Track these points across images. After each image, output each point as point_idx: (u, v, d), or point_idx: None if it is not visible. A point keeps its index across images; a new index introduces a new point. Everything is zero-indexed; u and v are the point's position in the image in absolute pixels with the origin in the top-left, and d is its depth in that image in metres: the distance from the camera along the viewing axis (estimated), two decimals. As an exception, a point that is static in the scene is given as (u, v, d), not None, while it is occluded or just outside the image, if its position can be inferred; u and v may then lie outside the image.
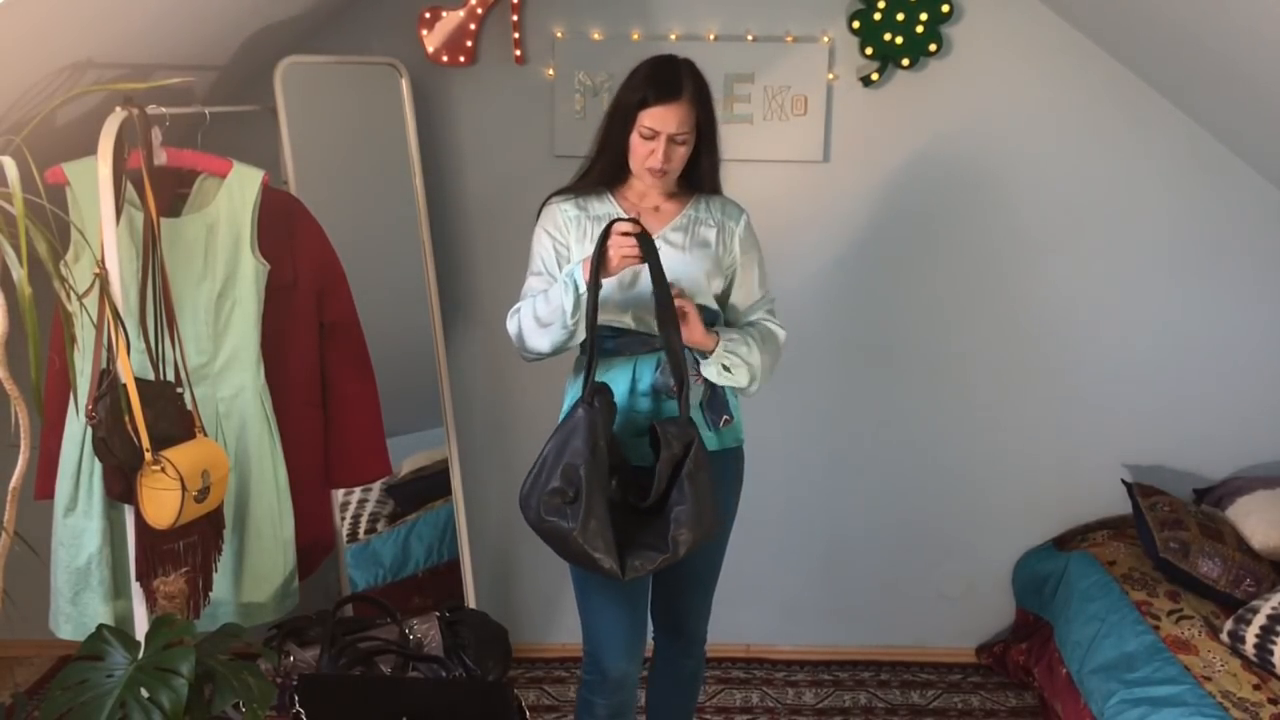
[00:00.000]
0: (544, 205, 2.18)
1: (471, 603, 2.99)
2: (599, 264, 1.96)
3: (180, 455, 2.07)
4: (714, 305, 2.16)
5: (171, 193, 2.32)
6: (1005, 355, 3.13)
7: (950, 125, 2.99)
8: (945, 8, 2.85)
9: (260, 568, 2.43)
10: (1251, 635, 2.47)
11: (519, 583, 3.27)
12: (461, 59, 2.91)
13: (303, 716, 2.22)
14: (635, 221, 1.99)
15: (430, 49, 2.89)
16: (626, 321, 2.09)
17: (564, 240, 2.13)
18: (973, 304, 3.10)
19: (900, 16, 2.85)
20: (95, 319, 2.06)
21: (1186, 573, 2.74)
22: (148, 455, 2.04)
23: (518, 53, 2.92)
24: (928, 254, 3.08)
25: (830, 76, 2.95)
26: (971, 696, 3.12)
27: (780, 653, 3.31)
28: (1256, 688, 2.35)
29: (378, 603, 2.58)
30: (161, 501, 2.05)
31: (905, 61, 2.90)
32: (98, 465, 2.18)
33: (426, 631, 2.49)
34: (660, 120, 2.02)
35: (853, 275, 3.09)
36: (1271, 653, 2.42)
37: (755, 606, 3.23)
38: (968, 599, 3.27)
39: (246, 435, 2.38)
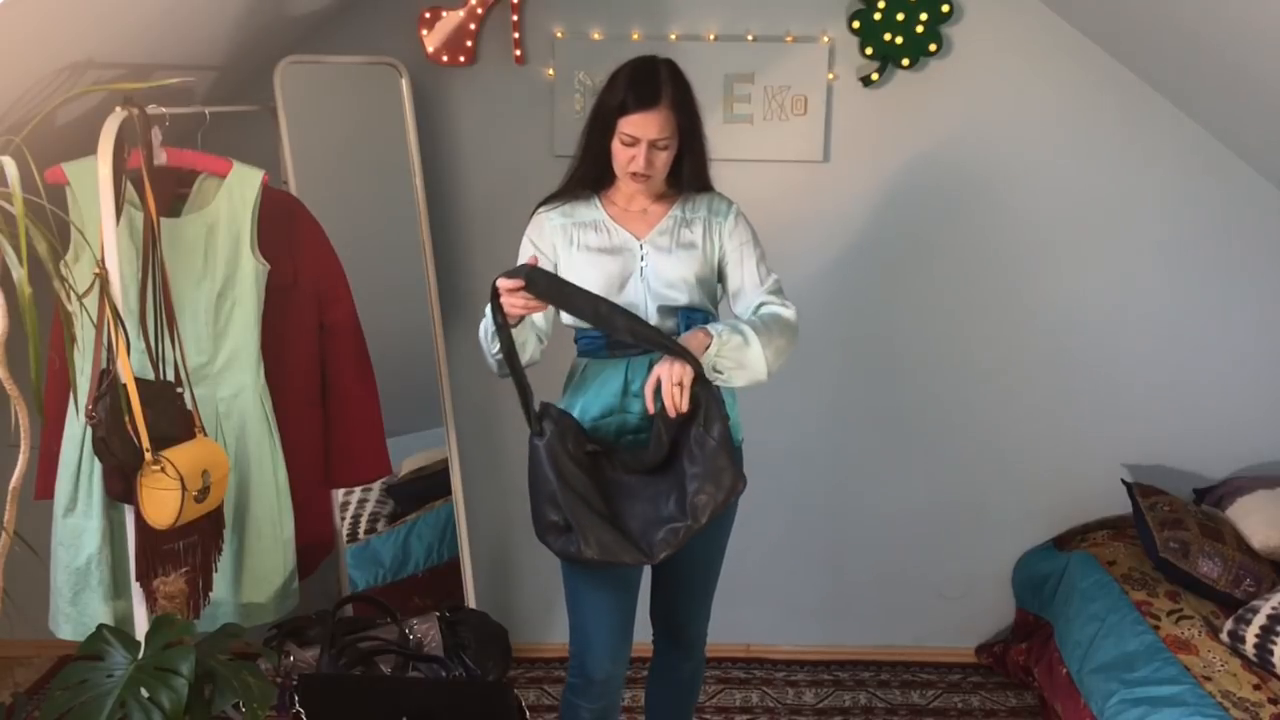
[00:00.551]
0: (533, 214, 2.18)
1: (471, 603, 2.99)
2: (502, 319, 1.96)
3: (180, 455, 2.07)
4: (707, 305, 2.15)
5: (171, 193, 2.33)
6: (1005, 355, 3.13)
7: (950, 125, 2.99)
8: (945, 8, 2.85)
9: (260, 568, 2.43)
10: (1251, 635, 2.47)
11: (518, 583, 3.27)
12: (461, 59, 2.91)
13: (303, 716, 2.22)
14: (522, 268, 1.93)
15: (430, 49, 2.89)
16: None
17: (549, 251, 2.13)
18: (972, 304, 3.10)
19: (900, 16, 2.85)
20: (95, 319, 2.06)
21: (1186, 573, 2.74)
22: (148, 455, 2.04)
23: (518, 53, 2.92)
24: (927, 254, 3.08)
25: (830, 76, 2.95)
26: (971, 696, 3.12)
27: (780, 653, 3.31)
28: (1256, 688, 2.35)
29: (378, 603, 2.58)
30: (161, 501, 2.05)
31: (905, 61, 2.90)
32: (98, 465, 2.18)
33: (426, 631, 2.49)
34: (640, 127, 2.00)
35: (852, 275, 3.09)
36: (1271, 653, 2.42)
37: (755, 606, 3.23)
38: (968, 599, 3.27)
39: (246, 435, 2.38)
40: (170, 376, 2.19)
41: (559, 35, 2.91)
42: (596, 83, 2.87)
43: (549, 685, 3.14)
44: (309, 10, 2.73)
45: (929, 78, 2.96)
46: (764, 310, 2.11)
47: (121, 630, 1.98)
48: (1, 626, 2.00)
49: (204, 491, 2.10)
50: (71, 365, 1.86)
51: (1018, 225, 3.05)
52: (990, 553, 3.25)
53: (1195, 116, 2.95)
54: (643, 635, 2.30)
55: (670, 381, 1.91)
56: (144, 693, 1.81)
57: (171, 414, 2.15)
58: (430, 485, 3.03)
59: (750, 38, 2.93)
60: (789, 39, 2.92)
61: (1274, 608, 2.49)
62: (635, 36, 2.91)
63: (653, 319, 2.08)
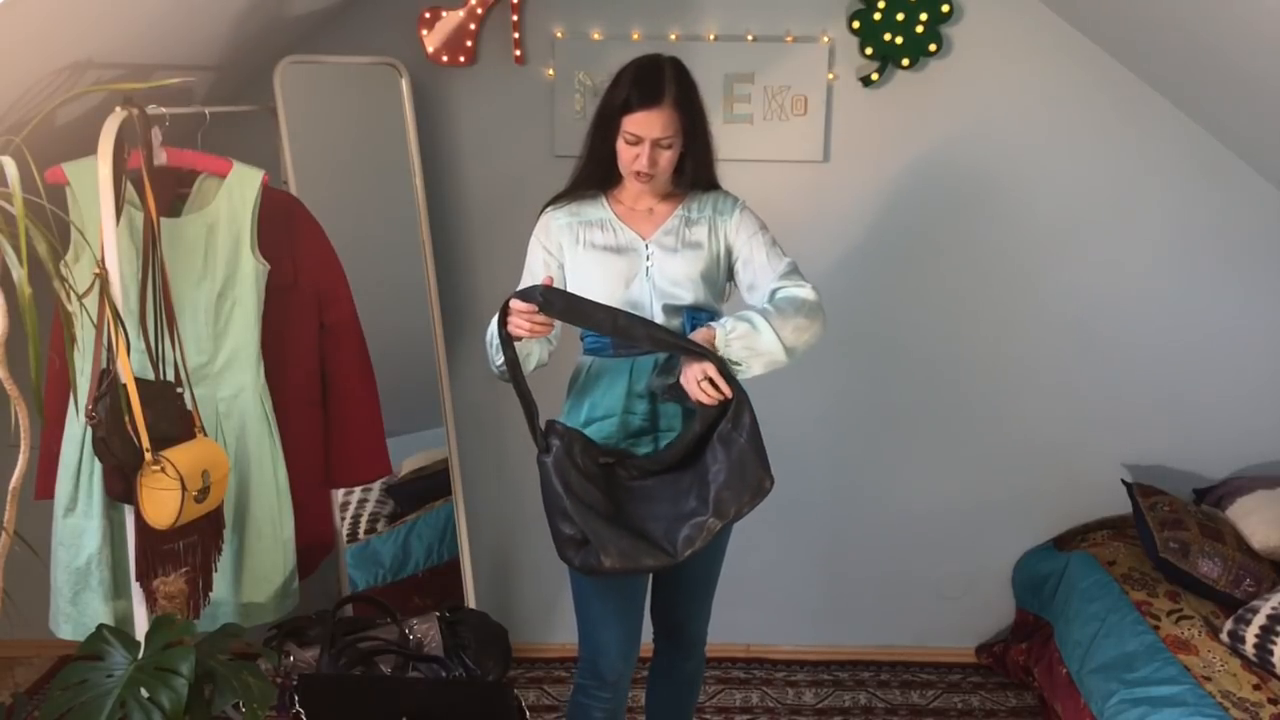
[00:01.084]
0: (540, 214, 2.18)
1: (471, 603, 2.99)
2: (506, 334, 1.97)
3: (180, 455, 2.07)
4: (713, 304, 2.15)
5: (171, 193, 2.33)
6: (1005, 355, 3.13)
7: (950, 125, 2.99)
8: (945, 8, 2.85)
9: (260, 568, 2.43)
10: (1251, 635, 2.47)
11: (519, 583, 3.27)
12: (461, 59, 2.91)
13: (303, 716, 2.22)
14: (536, 289, 1.93)
15: (430, 49, 2.89)
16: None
17: (557, 252, 2.14)
18: (972, 304, 3.10)
19: (900, 16, 2.85)
20: (95, 319, 2.06)
21: (1186, 573, 2.73)
22: (148, 455, 2.04)
23: (518, 53, 2.92)
24: (927, 254, 3.08)
25: (830, 76, 2.95)
26: (971, 696, 3.12)
27: (780, 653, 3.31)
28: (1256, 688, 2.35)
29: (378, 603, 2.58)
30: (161, 501, 2.05)
31: (905, 61, 2.90)
32: (98, 465, 2.18)
33: (426, 631, 2.49)
34: (643, 125, 2.00)
35: (853, 275, 3.09)
36: (1271, 653, 2.42)
37: (755, 606, 3.23)
38: (968, 599, 3.27)
39: (246, 435, 2.38)
40: (170, 376, 2.19)
41: (559, 35, 2.91)
42: (596, 83, 2.89)
43: (549, 685, 3.14)
44: (309, 10, 2.73)
45: (929, 78, 2.96)
46: (779, 295, 2.08)
47: (121, 630, 1.98)
48: (1, 626, 2.00)
49: (204, 491, 2.10)
50: (71, 365, 1.86)
51: (1017, 225, 3.05)
52: (990, 553, 3.25)
53: (1195, 116, 2.95)
54: (643, 635, 2.30)
55: (694, 380, 1.93)
56: (144, 693, 1.81)
57: (171, 414, 2.15)
58: (430, 485, 3.03)
59: (750, 38, 2.93)
60: (789, 39, 2.92)
61: (1274, 608, 2.49)
62: (635, 36, 2.91)
63: (658, 318, 2.08)
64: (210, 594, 2.27)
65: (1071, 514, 3.20)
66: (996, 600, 3.28)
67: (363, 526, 2.92)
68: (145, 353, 2.17)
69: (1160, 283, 3.08)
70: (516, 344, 2.00)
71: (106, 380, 2.06)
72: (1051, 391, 3.14)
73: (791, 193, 3.01)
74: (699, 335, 2.00)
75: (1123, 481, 3.04)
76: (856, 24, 2.87)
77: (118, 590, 2.27)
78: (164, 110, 2.23)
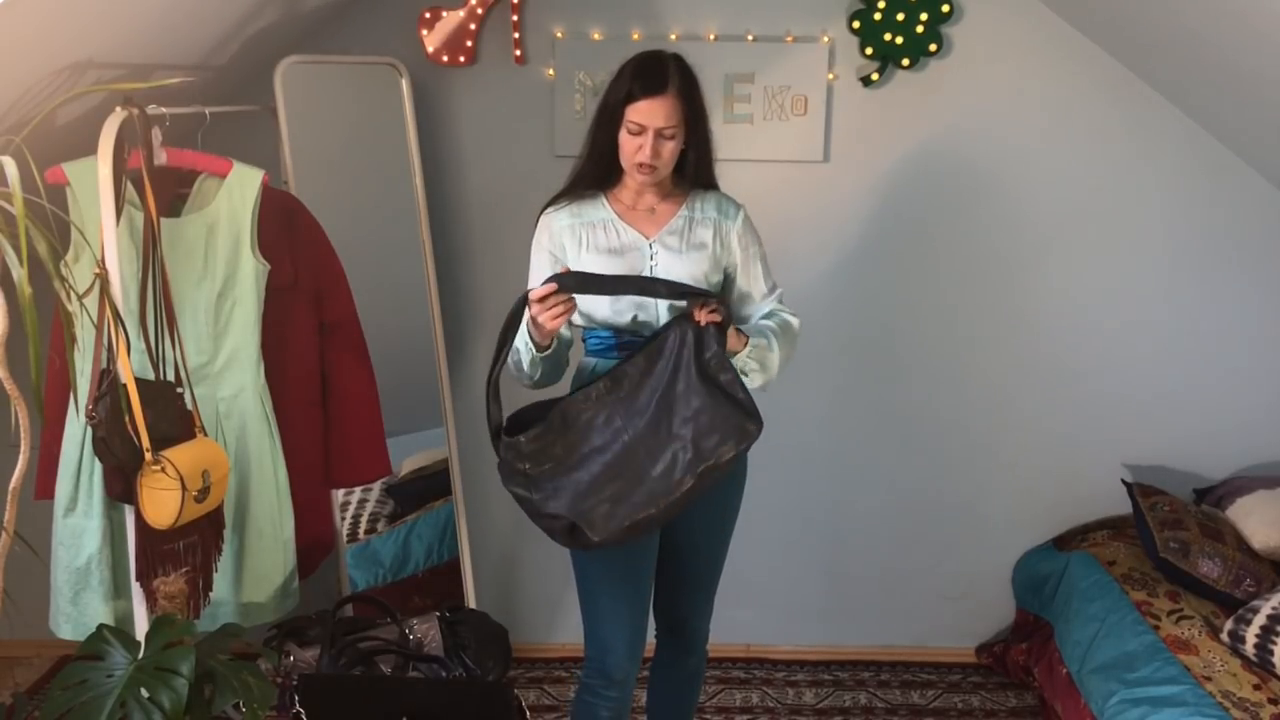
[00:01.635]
0: (539, 216, 2.18)
1: (471, 603, 2.99)
2: (537, 342, 1.99)
3: (180, 455, 2.07)
4: None
5: (171, 193, 2.32)
6: (1005, 355, 3.13)
7: (950, 125, 2.99)
8: (945, 8, 2.85)
9: (260, 568, 2.43)
10: (1251, 635, 2.47)
11: (519, 583, 3.27)
12: (461, 59, 2.91)
13: (303, 716, 2.22)
14: (552, 277, 1.95)
15: (430, 49, 2.89)
16: (625, 323, 2.09)
17: (560, 254, 2.13)
18: (972, 304, 3.10)
19: (900, 16, 2.85)
20: (95, 319, 2.06)
21: (1186, 573, 2.73)
22: (148, 455, 2.04)
23: (518, 53, 2.92)
24: (928, 254, 3.08)
25: (830, 76, 2.95)
26: (971, 696, 3.12)
27: (780, 653, 3.31)
28: (1256, 688, 2.35)
29: (378, 603, 2.58)
30: (161, 501, 2.05)
31: (905, 61, 2.90)
32: (98, 465, 2.18)
33: (426, 631, 2.49)
34: (646, 114, 2.00)
35: (853, 275, 3.09)
36: (1271, 653, 2.42)
37: (755, 606, 3.23)
38: (968, 599, 3.27)
39: (246, 435, 2.38)
40: (170, 376, 2.19)
41: (559, 35, 2.91)
42: (596, 83, 2.89)
43: (549, 685, 3.14)
44: (309, 10, 2.73)
45: (929, 78, 2.95)
46: (777, 317, 2.17)
47: (121, 630, 1.98)
48: (1, 626, 2.00)
49: (204, 491, 2.10)
50: (71, 365, 1.86)
51: (1017, 225, 3.05)
52: (990, 553, 3.25)
53: (1195, 116, 2.95)
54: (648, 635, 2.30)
55: (705, 310, 1.97)
56: (144, 693, 1.81)
57: (171, 414, 2.15)
58: (430, 485, 3.03)
59: (750, 38, 2.92)
60: (789, 39, 2.92)
61: (1274, 608, 2.49)
62: (635, 36, 2.91)
63: (663, 318, 2.08)
64: (210, 594, 2.27)
65: (1071, 514, 3.20)
66: (996, 600, 3.27)
67: (363, 526, 2.92)
68: (145, 353, 2.17)
69: (1160, 282, 3.08)
70: (544, 355, 2.03)
71: (106, 380, 2.06)
72: (1051, 391, 3.14)
73: (791, 193, 3.01)
74: (730, 336, 2.03)
75: (1123, 481, 3.04)
76: (856, 24, 2.88)
77: (118, 590, 2.27)
78: (164, 110, 2.22)
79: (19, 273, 1.71)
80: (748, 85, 2.93)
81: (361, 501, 2.93)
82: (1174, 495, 2.97)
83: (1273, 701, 2.30)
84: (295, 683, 2.27)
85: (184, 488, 2.04)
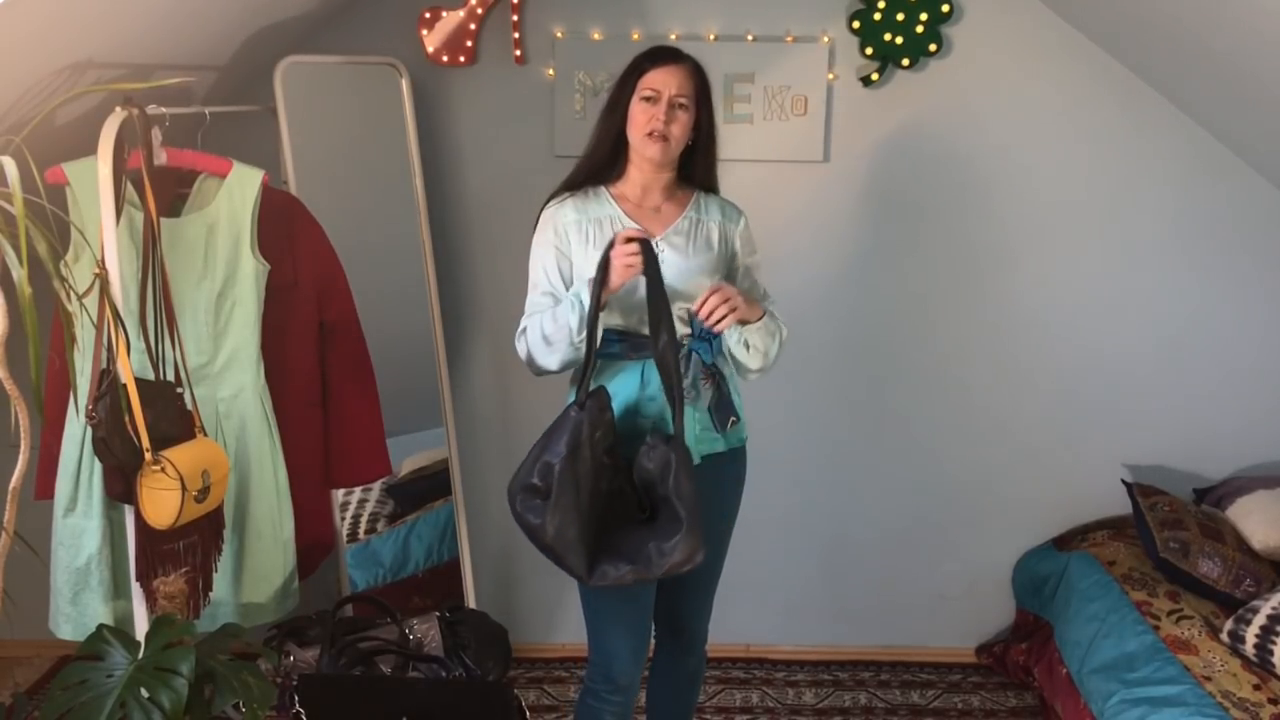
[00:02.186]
0: (542, 209, 2.18)
1: (471, 603, 2.99)
2: (602, 277, 1.97)
3: (180, 455, 2.07)
4: None
5: (171, 193, 2.32)
6: (1005, 355, 3.13)
7: (950, 125, 2.99)
8: (945, 8, 2.85)
9: (260, 568, 2.43)
10: (1251, 635, 2.47)
11: (519, 583, 3.27)
12: (461, 59, 2.91)
13: (303, 716, 2.22)
14: (641, 233, 1.98)
15: (430, 49, 2.89)
16: (633, 324, 2.09)
17: (565, 249, 2.12)
18: (972, 304, 3.10)
19: (900, 16, 2.85)
20: (95, 319, 2.06)
21: (1186, 573, 2.73)
22: (148, 455, 2.04)
23: (518, 53, 2.92)
24: (927, 254, 3.08)
25: (830, 76, 2.95)
26: (971, 696, 3.12)
27: (780, 653, 3.31)
28: (1256, 688, 2.35)
29: (378, 603, 2.58)
30: (161, 501, 2.05)
31: (905, 61, 2.90)
32: (98, 465, 2.18)
33: (426, 631, 2.49)
34: (662, 80, 2.05)
35: (852, 275, 3.09)
36: (1271, 653, 2.42)
37: (755, 606, 3.23)
38: (968, 599, 3.27)
39: (246, 435, 2.38)
40: (170, 376, 2.19)
41: (559, 35, 2.91)
42: (596, 83, 2.89)
43: (549, 685, 3.14)
44: (309, 10, 2.73)
45: (929, 78, 2.96)
46: (778, 319, 2.20)
47: (121, 630, 1.98)
48: (1, 626, 2.00)
49: (204, 491, 2.10)
50: (71, 365, 1.86)
51: (1017, 225, 3.05)
52: (990, 553, 3.25)
53: (1195, 116, 2.95)
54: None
55: (721, 297, 1.97)
56: (144, 693, 1.81)
57: (171, 414, 2.15)
58: (430, 485, 3.03)
59: (750, 38, 2.93)
60: (789, 39, 2.92)
61: (1274, 608, 2.49)
62: (635, 36, 2.91)
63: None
64: (210, 594, 2.27)
65: (1071, 514, 3.20)
66: (996, 600, 3.27)
67: (363, 526, 2.92)
68: (145, 353, 2.17)
69: (1160, 282, 3.08)
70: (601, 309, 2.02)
71: (106, 380, 2.06)
72: (1052, 391, 3.14)
73: (791, 193, 3.01)
74: (750, 300, 2.07)
75: (1123, 481, 3.04)
76: (856, 24, 2.88)
77: (118, 590, 2.27)
78: (164, 110, 2.23)
79: (19, 273, 1.71)
80: (748, 85, 2.93)
81: (361, 501, 2.93)
82: (1174, 495, 2.97)
83: (1273, 701, 2.30)
84: (295, 683, 2.27)
85: (184, 488, 2.04)
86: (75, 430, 2.22)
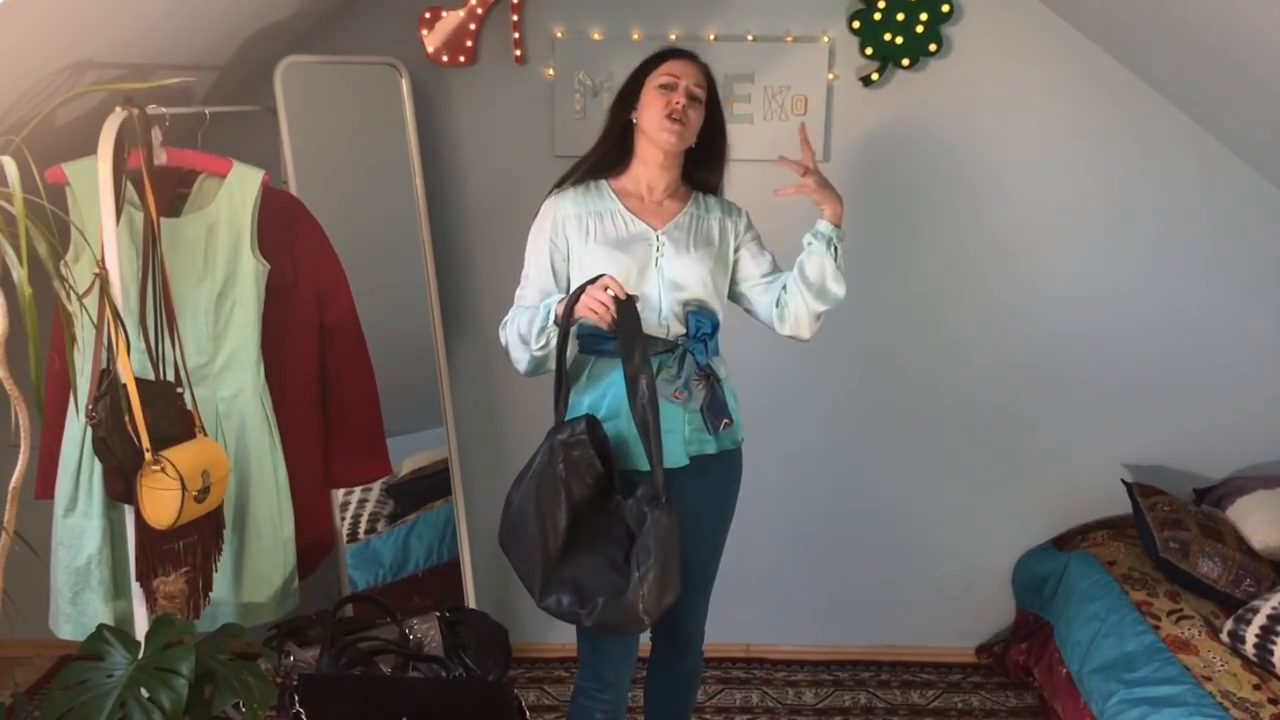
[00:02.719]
0: (545, 200, 2.19)
1: (471, 603, 2.99)
2: (571, 306, 1.98)
3: (180, 455, 2.07)
4: (718, 306, 2.16)
5: (171, 193, 2.32)
6: (1005, 355, 3.13)
7: (950, 125, 2.99)
8: (945, 8, 2.85)
9: (260, 568, 2.43)
10: (1251, 635, 2.47)
11: (519, 583, 3.25)
12: (461, 59, 2.91)
13: (303, 716, 2.22)
14: (628, 296, 1.96)
15: (430, 49, 2.89)
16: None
17: (561, 243, 2.13)
18: (973, 304, 3.10)
19: (900, 16, 2.85)
20: (95, 319, 2.06)
21: (1186, 573, 2.73)
22: (148, 455, 2.04)
23: (518, 53, 2.92)
24: (927, 254, 3.08)
25: (830, 76, 2.95)
26: (971, 696, 3.12)
27: (780, 653, 3.31)
28: (1256, 688, 2.35)
29: (378, 603, 2.58)
30: (161, 501, 2.05)
31: (905, 61, 2.90)
32: (98, 465, 2.18)
33: (426, 631, 2.49)
34: (680, 70, 2.10)
35: (852, 275, 3.02)
36: (1271, 653, 2.42)
37: (755, 606, 3.23)
38: (968, 599, 3.27)
39: (246, 435, 2.38)
40: (170, 376, 2.19)
41: (559, 35, 2.91)
42: (596, 83, 2.89)
43: (549, 685, 3.14)
44: (309, 10, 2.73)
45: (929, 78, 2.96)
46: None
47: (121, 630, 1.98)
48: (1, 626, 2.00)
49: (204, 491, 2.10)
50: (71, 365, 1.86)
51: (1017, 225, 3.05)
52: (990, 553, 3.25)
53: (1195, 116, 2.95)
54: (642, 635, 2.29)
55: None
56: (144, 693, 1.81)
57: (171, 414, 2.15)
58: (430, 485, 3.03)
59: (750, 38, 2.93)
60: (789, 39, 2.92)
61: (1274, 608, 2.49)
62: (635, 36, 2.91)
63: (667, 311, 2.10)
64: (210, 594, 2.27)
65: (1071, 514, 3.20)
66: (996, 600, 3.27)
67: (363, 526, 2.92)
68: (145, 353, 2.17)
69: (1160, 282, 3.08)
70: (556, 328, 2.03)
71: (106, 380, 2.06)
72: (1052, 391, 3.14)
73: (791, 193, 3.01)
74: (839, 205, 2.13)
75: (1123, 481, 3.04)
76: (856, 24, 2.88)
77: (118, 590, 2.27)
78: (164, 110, 2.23)
79: (19, 273, 1.71)
80: (748, 85, 2.93)
81: (361, 501, 2.93)
82: (1174, 495, 2.97)
83: (1273, 701, 2.30)
84: (295, 683, 2.27)
85: (184, 488, 2.04)
86: (75, 430, 2.22)
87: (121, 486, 2.12)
